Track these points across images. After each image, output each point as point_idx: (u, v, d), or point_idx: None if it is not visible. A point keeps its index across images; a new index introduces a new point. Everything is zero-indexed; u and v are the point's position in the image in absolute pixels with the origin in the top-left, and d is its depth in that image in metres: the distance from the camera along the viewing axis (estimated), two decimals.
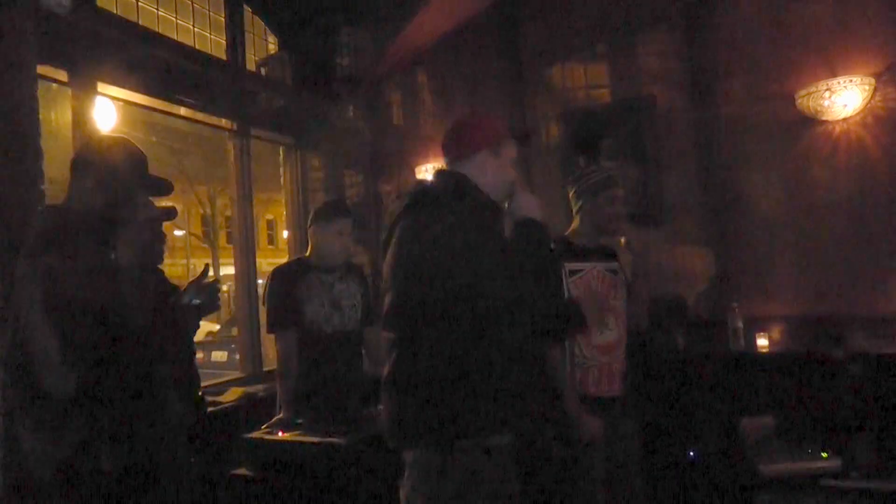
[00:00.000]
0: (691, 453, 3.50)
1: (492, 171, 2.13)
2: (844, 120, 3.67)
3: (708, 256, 4.08)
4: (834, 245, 3.73)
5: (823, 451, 3.04)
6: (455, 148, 2.19)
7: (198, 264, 21.19)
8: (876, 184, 3.63)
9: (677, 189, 4.18)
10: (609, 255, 2.92)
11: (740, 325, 3.73)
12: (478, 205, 2.05)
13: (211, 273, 2.24)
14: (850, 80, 3.54)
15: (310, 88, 4.70)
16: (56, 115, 4.31)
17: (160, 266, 2.72)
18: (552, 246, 2.63)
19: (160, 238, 2.65)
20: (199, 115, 4.18)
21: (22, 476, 1.90)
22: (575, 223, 2.92)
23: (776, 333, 3.78)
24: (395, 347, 2.02)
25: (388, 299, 2.05)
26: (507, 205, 2.14)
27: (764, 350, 3.69)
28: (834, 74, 3.61)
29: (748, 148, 3.97)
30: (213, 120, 4.32)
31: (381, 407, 2.20)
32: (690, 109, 4.17)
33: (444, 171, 2.21)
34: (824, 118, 3.69)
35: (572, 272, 2.77)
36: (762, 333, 3.74)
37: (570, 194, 2.93)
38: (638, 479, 2.83)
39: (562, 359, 2.68)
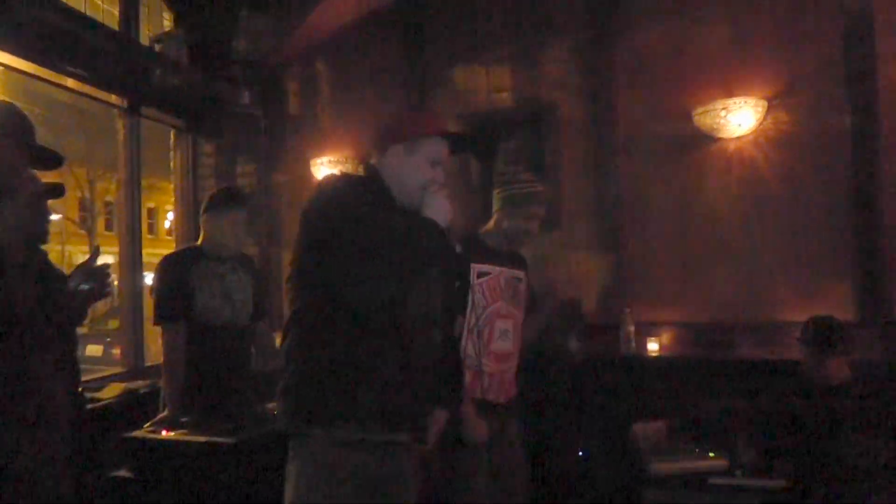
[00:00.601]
0: (581, 453, 3.56)
1: (403, 168, 2.04)
2: (738, 138, 3.84)
3: (602, 263, 4.18)
4: (724, 255, 3.91)
5: (711, 452, 3.16)
6: (374, 138, 2.12)
7: (73, 252, 20.03)
8: (765, 199, 3.82)
9: (574, 196, 4.26)
10: (518, 260, 2.93)
11: (632, 329, 3.84)
12: (378, 203, 1.98)
13: (102, 258, 2.09)
14: (745, 101, 3.72)
15: (206, 70, 4.49)
16: None
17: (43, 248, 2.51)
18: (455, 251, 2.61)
19: (44, 216, 2.44)
20: (88, 89, 3.89)
21: None
22: (490, 224, 2.91)
23: (666, 338, 3.92)
24: (294, 350, 1.95)
25: (289, 292, 1.99)
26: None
27: (654, 354, 3.82)
28: (730, 94, 3.77)
29: (645, 160, 4.10)
30: (103, 95, 4.05)
31: (270, 405, 2.11)
32: (590, 119, 4.26)
33: (365, 162, 2.14)
34: (719, 136, 3.85)
35: (481, 274, 2.74)
36: (653, 338, 3.87)
37: (495, 194, 2.91)
38: (523, 481, 2.84)
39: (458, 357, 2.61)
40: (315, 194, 2.00)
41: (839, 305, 3.44)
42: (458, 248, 2.30)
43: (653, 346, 3.84)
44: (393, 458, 1.95)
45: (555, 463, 3.49)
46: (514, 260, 2.90)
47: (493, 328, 2.72)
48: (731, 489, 3.03)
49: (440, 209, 1.97)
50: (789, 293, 3.74)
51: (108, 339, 9.84)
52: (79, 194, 21.78)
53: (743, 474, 3.07)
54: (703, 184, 3.96)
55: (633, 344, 3.82)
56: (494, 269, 2.79)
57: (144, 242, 4.47)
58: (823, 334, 2.93)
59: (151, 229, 25.47)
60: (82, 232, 21.95)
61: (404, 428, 1.96)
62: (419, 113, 2.19)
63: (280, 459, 1.97)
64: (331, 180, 2.15)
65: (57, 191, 2.32)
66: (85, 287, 1.94)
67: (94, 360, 10.45)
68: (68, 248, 21.17)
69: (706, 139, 3.90)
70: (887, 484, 2.74)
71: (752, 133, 3.82)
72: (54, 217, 23.13)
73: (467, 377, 2.66)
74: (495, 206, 2.90)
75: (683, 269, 3.98)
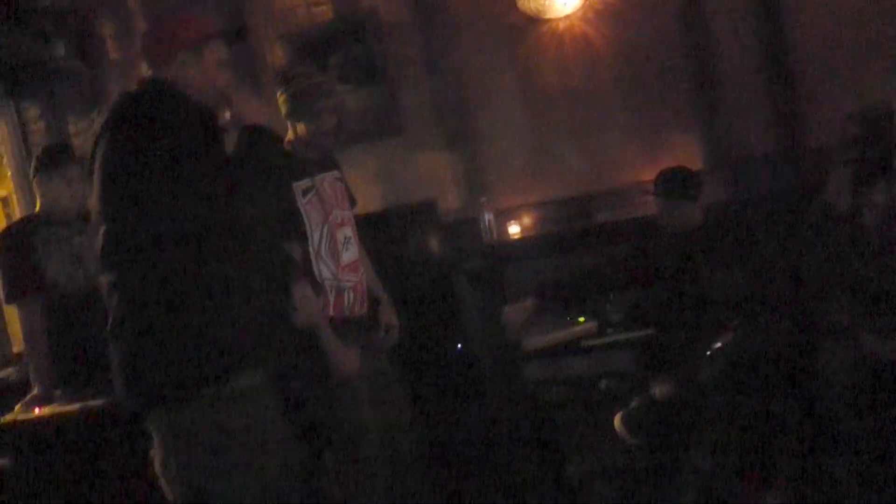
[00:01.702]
0: (458, 346, 3.67)
1: (195, 76, 1.90)
2: (567, 17, 3.88)
3: (452, 160, 4.21)
4: (572, 132, 4.00)
5: (580, 317, 3.30)
6: (153, 52, 1.96)
7: None
8: (603, 71, 3.92)
9: (412, 99, 4.22)
10: (330, 161, 2.71)
11: (491, 217, 3.91)
12: (183, 112, 1.83)
13: None
14: None
15: (12, 27, 4.13)
16: None
17: None
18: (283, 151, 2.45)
19: None
20: None
21: None
22: (290, 133, 2.60)
23: (527, 221, 4.03)
24: (114, 291, 1.82)
25: (99, 235, 1.84)
26: (227, 114, 1.95)
27: (516, 237, 3.92)
28: None
29: (480, 50, 4.08)
30: None
31: None
32: (414, 20, 4.19)
33: (143, 79, 1.98)
34: (547, 17, 3.88)
35: (305, 191, 2.51)
36: (513, 222, 3.96)
37: (280, 100, 2.59)
38: (398, 386, 2.74)
39: (308, 288, 2.40)
40: (118, 106, 1.87)
41: (687, 156, 3.62)
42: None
43: (514, 230, 3.94)
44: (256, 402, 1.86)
45: (433, 358, 3.58)
46: (326, 163, 2.67)
47: (336, 241, 2.55)
48: (603, 348, 3.18)
49: (251, 107, 1.92)
50: (639, 155, 3.88)
51: None
52: None
53: (613, 331, 3.22)
54: (540, 66, 4.01)
55: (495, 232, 3.90)
56: (315, 180, 2.55)
57: None
58: (673, 183, 3.07)
59: (10, 219, 23.66)
60: None
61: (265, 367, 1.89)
62: (189, 16, 2.00)
63: None
64: (135, 92, 1.95)
65: None
66: None
67: None
68: None
69: (535, 22, 3.94)
70: (750, 311, 2.91)
71: (579, 9, 3.86)
72: None
73: (329, 300, 2.50)
74: (284, 111, 2.58)
75: (534, 153, 4.07)
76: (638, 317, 3.26)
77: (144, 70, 2.08)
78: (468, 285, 3.76)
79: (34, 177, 3.06)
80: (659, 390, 2.88)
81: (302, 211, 2.48)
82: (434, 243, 3.81)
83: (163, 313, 1.75)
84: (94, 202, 1.86)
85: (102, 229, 1.82)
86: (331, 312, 2.49)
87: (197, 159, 1.74)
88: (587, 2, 3.86)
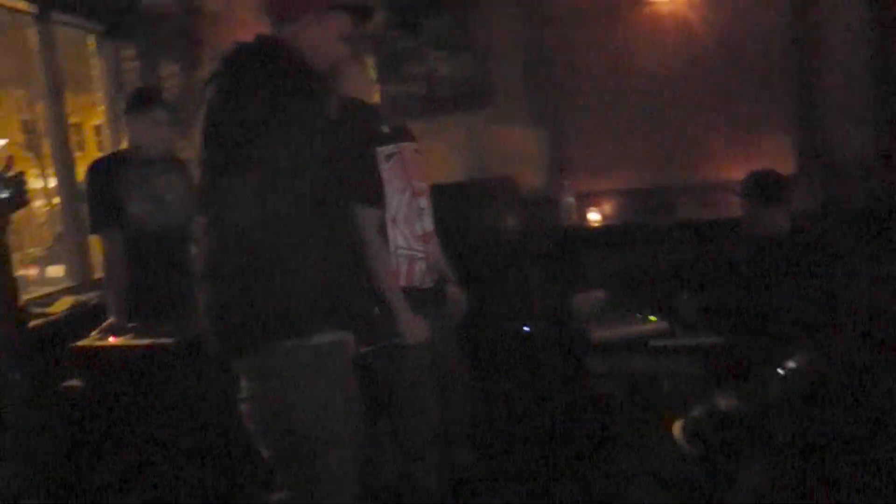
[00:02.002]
0: (525, 328, 3.61)
1: (314, 41, 1.91)
2: (671, 1, 3.77)
3: (537, 136, 4.13)
4: (662, 119, 3.89)
5: (651, 316, 3.22)
6: (279, 7, 1.95)
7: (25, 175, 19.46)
8: (701, 59, 3.79)
9: (503, 70, 4.16)
10: (409, 132, 2.71)
11: (571, 200, 3.83)
12: (295, 71, 1.84)
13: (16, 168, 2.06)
14: None
15: None
16: None
17: None
18: (381, 129, 2.49)
19: None
20: None
21: None
22: (377, 97, 2.63)
23: (608, 208, 3.94)
24: (210, 232, 1.84)
25: (199, 176, 1.87)
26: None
27: (595, 224, 3.83)
28: None
29: (575, 29, 3.99)
30: (9, 2, 3.83)
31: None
32: None
33: (260, 34, 1.97)
34: None
35: (388, 157, 2.50)
36: (593, 208, 3.87)
37: (369, 64, 2.59)
38: (458, 360, 2.76)
39: (383, 252, 2.45)
40: (231, 62, 1.87)
41: (780, 158, 3.48)
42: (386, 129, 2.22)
43: (594, 216, 3.86)
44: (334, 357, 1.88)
45: (497, 338, 3.54)
46: (407, 132, 2.68)
47: (412, 210, 2.56)
48: (670, 350, 3.09)
49: (358, 82, 1.97)
50: (728, 152, 3.77)
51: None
52: (20, 117, 20.96)
53: (682, 335, 3.12)
54: (637, 49, 3.90)
55: (574, 215, 3.83)
56: (398, 146, 2.55)
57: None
58: (762, 186, 2.95)
59: (102, 147, 24.63)
60: (28, 155, 21.27)
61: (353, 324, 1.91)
62: None
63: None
64: (250, 47, 1.94)
65: None
66: (3, 195, 1.91)
67: (56, 281, 10.43)
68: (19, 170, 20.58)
69: (638, 2, 3.84)
70: (828, 334, 2.78)
71: None
72: (0, 142, 22.45)
73: (402, 268, 2.53)
74: (371, 74, 2.60)
75: (621, 138, 3.97)
76: (710, 323, 3.15)
77: (246, 24, 2.07)
78: (541, 267, 3.69)
79: (124, 116, 3.16)
80: (723, 402, 2.79)
81: (383, 177, 2.49)
82: (510, 220, 3.74)
83: (255, 261, 1.77)
84: (196, 144, 1.88)
85: (202, 170, 1.85)
86: (402, 281, 2.51)
87: (301, 118, 1.76)
88: None
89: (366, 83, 1.94)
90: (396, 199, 2.51)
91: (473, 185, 3.73)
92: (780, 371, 2.75)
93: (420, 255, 2.57)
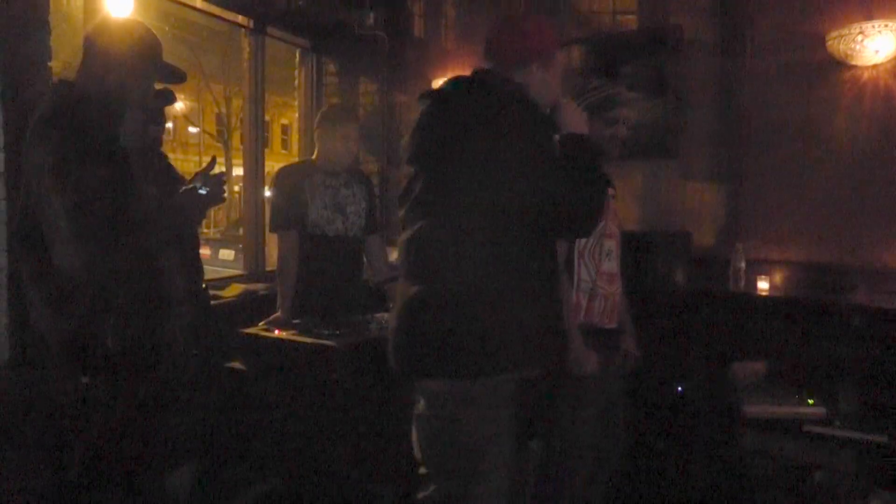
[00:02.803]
0: (679, 389, 3.52)
1: (541, 85, 1.98)
2: (874, 66, 3.53)
3: (718, 194, 4.01)
4: (848, 193, 3.65)
5: (809, 398, 3.05)
6: (503, 53, 2.00)
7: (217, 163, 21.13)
8: None
9: (694, 123, 4.06)
10: (608, 178, 2.79)
11: (743, 265, 3.69)
12: (534, 119, 1.88)
13: (219, 165, 2.24)
14: (885, 25, 3.39)
15: None
16: None
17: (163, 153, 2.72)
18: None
19: (156, 120, 2.62)
20: (216, 9, 4.09)
21: (29, 344, 1.94)
22: None
23: (778, 278, 3.76)
24: (411, 253, 1.89)
25: (409, 185, 1.93)
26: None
27: (764, 293, 3.67)
28: (869, 17, 3.46)
29: (771, 87, 3.84)
30: (230, 15, 4.23)
31: (378, 314, 2.08)
32: (716, 43, 4.02)
33: (493, 74, 2.00)
34: (853, 63, 3.55)
35: None
36: (764, 276, 3.71)
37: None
38: (623, 412, 2.79)
39: (566, 285, 2.49)
40: (469, 96, 1.93)
41: None
42: None
43: (763, 285, 3.68)
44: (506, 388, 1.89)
45: (650, 396, 3.44)
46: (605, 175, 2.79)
47: (601, 248, 2.62)
48: (827, 439, 2.90)
49: (577, 119, 1.95)
50: None
51: (240, 245, 10.53)
52: (216, 110, 22.83)
53: (841, 425, 2.92)
54: (832, 115, 3.69)
55: (743, 281, 3.69)
56: None
57: (279, 157, 4.77)
58: None
59: (286, 146, 26.43)
60: (218, 145, 23.08)
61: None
62: (545, 23, 2.07)
63: (380, 365, 2.02)
64: (491, 85, 1.97)
65: (168, 97, 2.46)
66: (203, 191, 2.08)
67: (225, 264, 11.25)
68: (205, 159, 22.41)
69: (839, 66, 3.61)
70: None
71: (890, 61, 3.48)
72: (193, 130, 24.39)
73: (582, 302, 2.59)
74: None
75: (803, 206, 3.76)
76: (872, 418, 2.94)
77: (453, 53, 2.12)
78: (704, 329, 3.56)
79: (316, 128, 3.37)
80: None
81: None
82: (680, 277, 3.66)
83: (461, 290, 1.80)
84: (410, 153, 1.97)
85: (413, 190, 1.92)
86: (581, 315, 2.58)
87: (532, 154, 1.79)
88: None
89: (581, 120, 1.97)
90: None
91: (649, 235, 3.66)
92: None
93: (601, 291, 2.62)
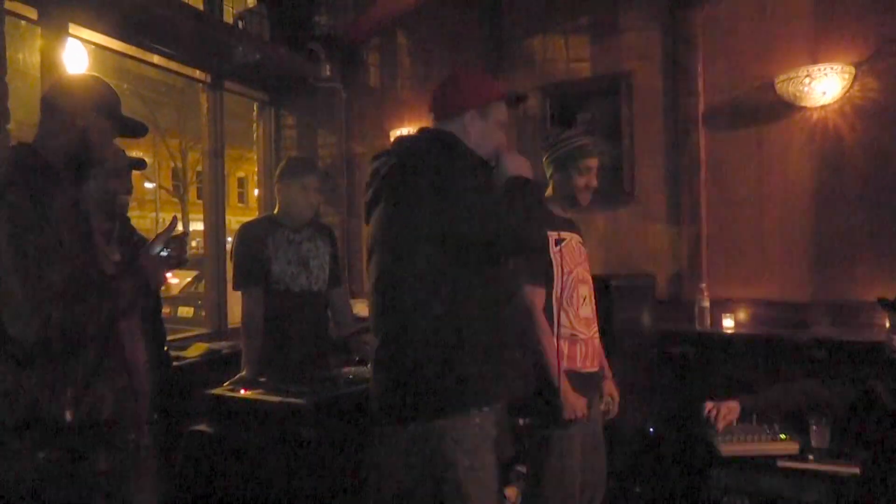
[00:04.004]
0: (651, 429, 3.51)
1: (477, 133, 2.08)
2: (822, 107, 3.68)
3: (680, 235, 4.10)
4: (804, 230, 3.76)
5: (781, 433, 3.07)
6: (441, 106, 2.14)
7: (166, 218, 20.92)
8: (849, 172, 3.66)
9: (651, 167, 4.18)
10: (577, 226, 2.89)
11: (707, 305, 3.75)
12: (468, 163, 2.01)
13: (180, 226, 2.20)
14: (831, 67, 3.54)
15: (287, 45, 4.61)
16: (24, 55, 4.18)
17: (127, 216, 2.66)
18: (553, 212, 2.69)
19: (126, 188, 2.58)
20: (173, 65, 4.08)
21: None
22: (549, 190, 2.85)
23: (743, 315, 3.82)
24: (385, 313, 1.99)
25: (376, 261, 2.03)
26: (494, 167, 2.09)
27: (729, 331, 3.72)
28: (815, 61, 3.61)
29: (725, 130, 3.97)
30: (187, 70, 4.22)
31: (346, 369, 2.09)
32: (670, 88, 4.15)
33: (428, 128, 2.16)
34: (802, 104, 3.69)
35: (558, 241, 2.69)
36: (729, 314, 3.77)
37: (544, 160, 2.86)
38: (603, 457, 2.82)
39: (549, 330, 2.59)
40: (408, 149, 2.05)
41: None
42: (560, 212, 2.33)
43: (728, 323, 3.74)
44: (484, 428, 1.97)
45: (623, 438, 3.44)
46: (575, 225, 2.87)
47: (577, 294, 2.69)
48: (800, 473, 2.91)
49: (520, 163, 2.03)
50: (873, 271, 3.57)
51: (199, 302, 10.29)
52: (171, 164, 22.65)
53: (814, 459, 2.94)
54: (785, 155, 3.81)
55: (708, 320, 3.74)
56: (567, 235, 2.74)
57: (236, 211, 4.72)
58: None
59: (242, 198, 26.27)
60: (175, 200, 22.85)
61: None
62: (481, 77, 2.24)
63: (350, 421, 2.04)
64: (425, 138, 2.13)
65: (140, 164, 2.43)
66: (165, 253, 2.03)
67: (185, 322, 11.01)
68: (162, 214, 22.16)
69: (789, 108, 3.75)
70: None
71: (837, 101, 3.64)
72: (149, 185, 24.12)
73: (563, 348, 2.61)
74: (548, 171, 2.84)
75: (762, 245, 3.86)
76: (845, 451, 2.96)
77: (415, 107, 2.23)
78: (672, 369, 3.60)
79: (277, 182, 3.33)
80: None
81: (552, 258, 2.65)
82: (647, 319, 3.70)
83: (432, 338, 1.91)
84: (373, 230, 2.06)
85: (378, 256, 2.02)
86: (565, 361, 2.60)
87: (474, 202, 1.90)
88: (847, 95, 3.63)
89: (523, 165, 2.05)
90: (562, 280, 2.66)
91: (613, 278, 3.70)
92: None
93: (582, 336, 2.69)
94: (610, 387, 2.86)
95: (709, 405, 3.00)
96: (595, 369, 2.74)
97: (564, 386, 2.53)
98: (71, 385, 1.84)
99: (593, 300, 2.79)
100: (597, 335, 2.77)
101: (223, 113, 4.39)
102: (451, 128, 2.08)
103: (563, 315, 2.64)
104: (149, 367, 2.21)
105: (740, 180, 3.93)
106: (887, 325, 2.90)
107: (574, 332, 2.65)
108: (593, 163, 2.75)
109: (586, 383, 2.67)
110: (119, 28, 3.49)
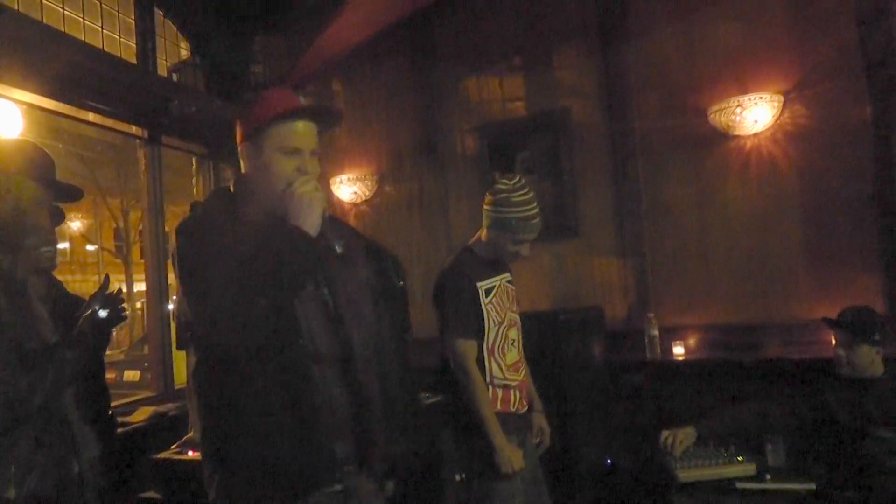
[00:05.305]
0: (608, 461, 3.50)
1: (259, 171, 1.70)
2: (755, 135, 3.79)
3: (625, 267, 4.15)
4: (747, 254, 3.85)
5: (738, 455, 3.10)
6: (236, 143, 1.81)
7: (111, 281, 20.32)
8: (785, 196, 3.77)
9: (593, 201, 4.24)
10: (504, 264, 2.81)
11: (656, 333, 3.79)
12: (241, 229, 1.67)
13: (115, 284, 2.13)
14: (760, 97, 3.67)
15: (222, 96, 4.57)
16: None
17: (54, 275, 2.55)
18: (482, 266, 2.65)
19: (48, 241, 2.45)
20: (109, 122, 3.99)
21: None
22: (482, 233, 2.75)
23: (692, 342, 3.86)
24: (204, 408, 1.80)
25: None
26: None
27: (680, 358, 3.76)
28: (744, 91, 3.73)
29: (663, 161, 4.07)
30: (124, 126, 4.14)
31: None
32: (605, 123, 4.24)
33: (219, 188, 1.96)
34: (736, 133, 3.80)
35: (488, 291, 2.65)
36: (678, 342, 3.81)
37: (484, 206, 2.72)
38: (543, 490, 2.78)
39: (473, 386, 2.53)
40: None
41: (865, 301, 3.34)
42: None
43: (678, 350, 3.78)
44: None
45: (581, 472, 3.43)
46: (503, 264, 2.80)
47: (507, 340, 2.67)
48: (759, 493, 2.97)
49: (306, 212, 1.60)
50: (814, 291, 3.66)
51: (146, 364, 9.99)
52: (113, 224, 22.18)
53: (772, 478, 3.01)
54: (722, 183, 3.91)
55: (658, 349, 3.77)
56: (496, 281, 2.70)
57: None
58: (858, 324, 2.85)
59: (166, 254, 25.55)
60: (118, 261, 22.32)
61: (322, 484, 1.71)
62: (248, 104, 1.83)
63: None
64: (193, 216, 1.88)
65: (57, 216, 2.29)
66: (102, 313, 1.97)
67: (131, 385, 10.63)
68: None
69: (723, 137, 3.86)
70: None
71: (769, 129, 3.77)
72: (90, 248, 23.44)
73: (498, 394, 2.61)
74: (486, 221, 2.72)
75: (706, 271, 3.93)
76: (800, 467, 3.05)
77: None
78: (626, 399, 3.61)
79: None
80: None
81: (484, 310, 2.62)
82: (596, 350, 3.71)
83: (238, 436, 1.71)
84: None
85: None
86: (498, 407, 2.59)
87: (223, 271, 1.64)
88: (778, 122, 3.75)
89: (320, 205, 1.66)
90: (493, 331, 2.63)
91: (560, 312, 3.71)
92: None
93: (513, 384, 2.67)
94: (540, 419, 2.84)
95: (665, 433, 3.01)
96: (526, 409, 2.75)
97: (500, 442, 2.50)
98: (14, 462, 1.75)
99: (521, 340, 2.77)
100: (527, 375, 2.78)
101: (161, 169, 4.31)
102: (243, 173, 1.76)
103: (495, 366, 2.62)
104: (93, 436, 2.12)
105: (681, 209, 4.01)
106: (834, 342, 2.95)
107: (506, 381, 2.64)
108: (531, 237, 2.70)
109: (519, 423, 2.69)
110: (51, 86, 3.40)
